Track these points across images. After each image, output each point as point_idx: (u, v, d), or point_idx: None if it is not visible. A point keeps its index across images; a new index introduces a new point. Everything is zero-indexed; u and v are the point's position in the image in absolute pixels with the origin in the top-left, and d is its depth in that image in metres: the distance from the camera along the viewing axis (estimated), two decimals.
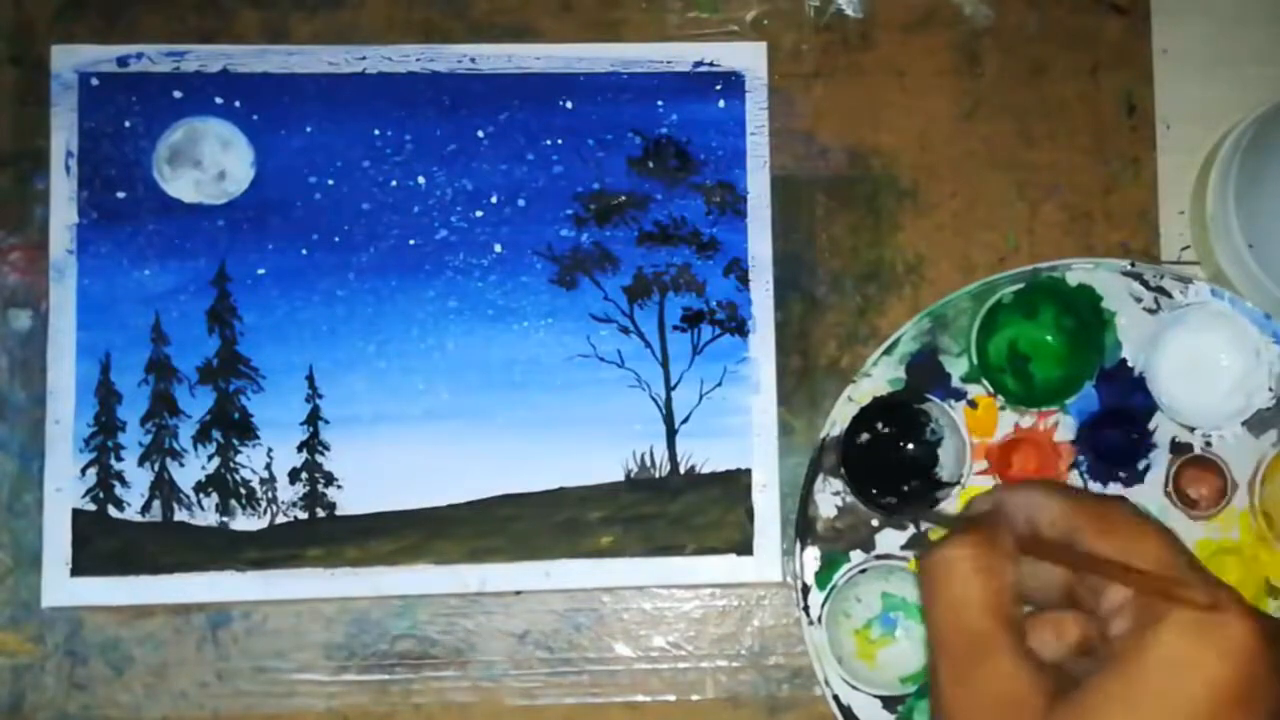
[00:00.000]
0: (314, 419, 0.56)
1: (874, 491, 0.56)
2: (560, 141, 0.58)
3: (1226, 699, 0.33)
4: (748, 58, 0.59)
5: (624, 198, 0.58)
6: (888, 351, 0.57)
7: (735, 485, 0.57)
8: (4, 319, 0.56)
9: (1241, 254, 0.56)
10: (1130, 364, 0.57)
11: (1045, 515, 0.38)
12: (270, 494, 0.56)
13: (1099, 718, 0.34)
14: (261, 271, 0.57)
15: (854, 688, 0.55)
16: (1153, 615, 0.34)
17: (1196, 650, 0.33)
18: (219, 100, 0.57)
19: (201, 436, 0.56)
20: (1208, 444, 0.57)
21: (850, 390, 0.57)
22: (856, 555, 0.56)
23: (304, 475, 0.56)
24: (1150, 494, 0.56)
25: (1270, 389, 0.57)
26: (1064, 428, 0.57)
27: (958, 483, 0.56)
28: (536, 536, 0.56)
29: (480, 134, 0.58)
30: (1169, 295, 0.57)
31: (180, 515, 0.56)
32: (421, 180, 0.58)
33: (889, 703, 0.55)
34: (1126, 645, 0.35)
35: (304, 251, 0.57)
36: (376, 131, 0.58)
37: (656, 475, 0.57)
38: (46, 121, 0.57)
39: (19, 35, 0.57)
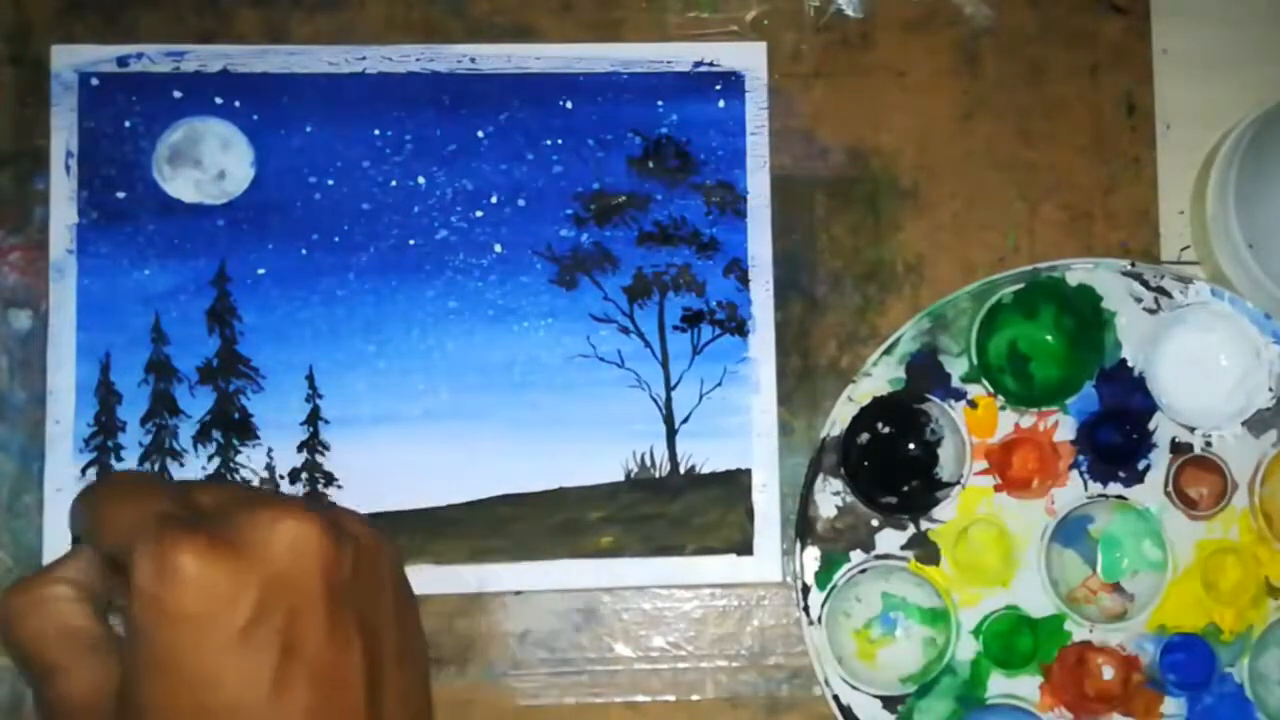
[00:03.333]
0: (314, 419, 0.56)
1: (874, 491, 0.56)
2: (560, 141, 0.58)
3: (202, 626, 0.34)
4: (748, 58, 0.59)
5: (624, 198, 0.58)
6: (888, 351, 0.57)
7: (735, 485, 0.57)
8: (4, 319, 0.56)
9: (1241, 254, 0.56)
10: (1130, 364, 0.57)
11: (88, 527, 0.39)
12: None
13: (134, 687, 0.35)
14: (261, 271, 0.57)
15: (854, 688, 0.55)
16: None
17: (155, 606, 0.34)
18: (219, 100, 0.57)
19: (201, 436, 0.56)
20: (1208, 444, 0.57)
21: (850, 390, 0.57)
22: (856, 555, 0.56)
23: (304, 475, 0.56)
24: (1150, 494, 0.56)
25: (1270, 389, 0.57)
26: (1064, 428, 0.57)
27: (958, 483, 0.56)
28: (536, 536, 0.56)
29: (480, 134, 0.58)
30: (1169, 295, 0.57)
31: None
32: (421, 180, 0.58)
33: (889, 703, 0.55)
34: (126, 616, 0.35)
35: (304, 251, 0.57)
36: (376, 131, 0.58)
37: (656, 475, 0.57)
38: (46, 121, 0.57)
39: (19, 35, 0.57)
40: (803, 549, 0.56)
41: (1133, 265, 0.57)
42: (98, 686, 0.36)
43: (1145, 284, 0.57)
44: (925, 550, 0.56)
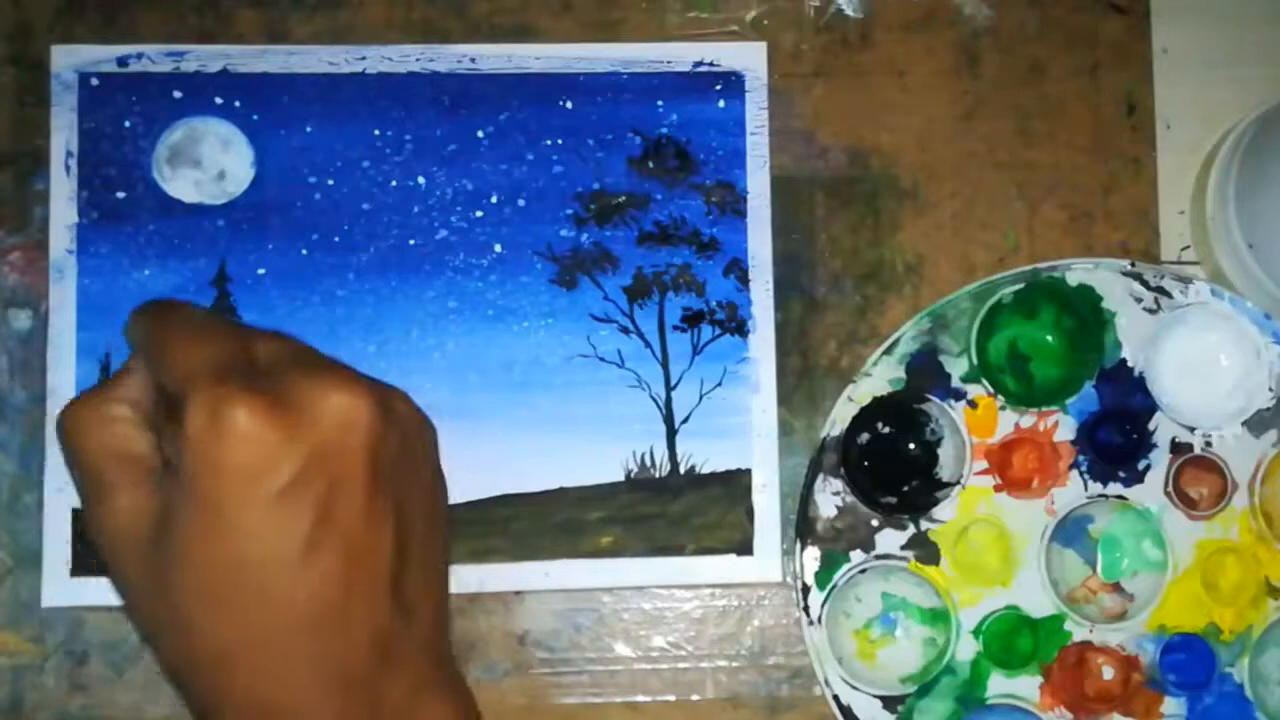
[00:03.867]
0: None
1: (874, 491, 0.56)
2: (560, 141, 0.58)
3: (247, 480, 0.35)
4: (748, 58, 0.59)
5: (624, 198, 0.58)
6: (888, 351, 0.57)
7: (735, 485, 0.57)
8: (4, 319, 0.56)
9: (1241, 254, 0.56)
10: (1130, 364, 0.57)
11: (143, 351, 0.39)
12: None
13: (175, 525, 0.36)
14: (261, 271, 0.57)
15: (854, 688, 0.55)
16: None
17: (205, 452, 0.35)
18: (219, 100, 0.57)
19: None
20: (1208, 444, 0.57)
21: (850, 390, 0.57)
22: (856, 555, 0.56)
23: None
24: (1150, 494, 0.56)
25: (1270, 389, 0.57)
26: (1064, 428, 0.57)
27: (958, 483, 0.56)
28: (536, 536, 0.56)
29: (480, 134, 0.58)
30: (1169, 295, 0.57)
31: None
32: (421, 180, 0.58)
33: (889, 703, 0.55)
34: (175, 454, 0.36)
35: (304, 251, 0.57)
36: (376, 131, 0.58)
37: (656, 475, 0.57)
38: (46, 121, 0.57)
39: (19, 35, 0.57)
40: (803, 549, 0.56)
41: (1133, 265, 0.57)
42: (143, 512, 0.37)
43: (1145, 284, 0.57)
44: (925, 550, 0.56)
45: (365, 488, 0.36)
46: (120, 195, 0.57)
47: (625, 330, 0.57)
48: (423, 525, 0.39)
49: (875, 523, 0.56)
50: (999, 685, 0.56)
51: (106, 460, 0.38)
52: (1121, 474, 0.56)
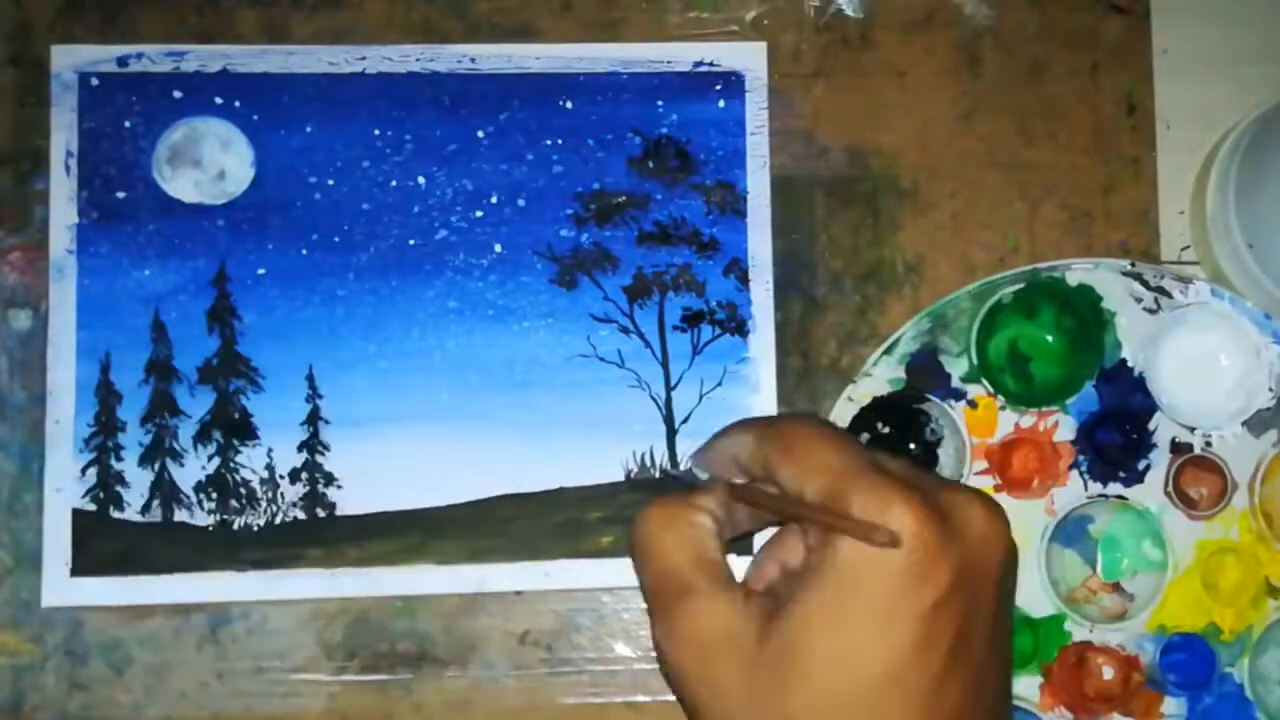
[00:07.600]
0: (314, 419, 0.56)
1: None
2: (560, 141, 0.58)
3: (907, 588, 0.33)
4: (748, 58, 0.59)
5: (624, 198, 0.58)
6: (888, 351, 0.57)
7: None
8: (4, 319, 0.56)
9: (1241, 254, 0.56)
10: (1130, 364, 0.57)
11: (744, 452, 0.39)
12: (270, 494, 0.56)
13: (805, 630, 0.34)
14: (261, 271, 0.57)
15: None
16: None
17: (871, 554, 0.33)
18: (219, 100, 0.57)
19: (202, 436, 0.56)
20: (1208, 444, 0.57)
21: (850, 390, 0.57)
22: None
23: (304, 475, 0.56)
24: (1150, 494, 0.56)
25: (1270, 389, 0.57)
26: (1064, 428, 0.57)
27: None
28: (536, 536, 0.56)
29: (480, 134, 0.58)
30: (1169, 295, 0.57)
31: (180, 515, 0.56)
32: (421, 180, 0.58)
33: None
34: (818, 557, 0.35)
35: (304, 251, 0.57)
36: (376, 131, 0.58)
37: (656, 475, 0.57)
38: (46, 121, 0.57)
39: (19, 35, 0.57)
40: None
41: (1133, 265, 0.57)
42: (736, 618, 0.36)
43: (1145, 284, 0.57)
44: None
45: (996, 608, 0.34)
46: (120, 195, 0.57)
47: (625, 330, 0.57)
48: (1009, 643, 0.37)
49: None
50: None
51: (684, 559, 0.37)
52: (1121, 474, 0.56)
